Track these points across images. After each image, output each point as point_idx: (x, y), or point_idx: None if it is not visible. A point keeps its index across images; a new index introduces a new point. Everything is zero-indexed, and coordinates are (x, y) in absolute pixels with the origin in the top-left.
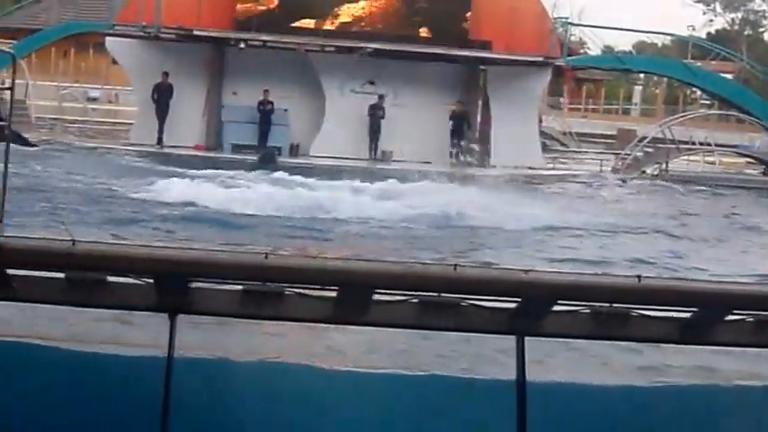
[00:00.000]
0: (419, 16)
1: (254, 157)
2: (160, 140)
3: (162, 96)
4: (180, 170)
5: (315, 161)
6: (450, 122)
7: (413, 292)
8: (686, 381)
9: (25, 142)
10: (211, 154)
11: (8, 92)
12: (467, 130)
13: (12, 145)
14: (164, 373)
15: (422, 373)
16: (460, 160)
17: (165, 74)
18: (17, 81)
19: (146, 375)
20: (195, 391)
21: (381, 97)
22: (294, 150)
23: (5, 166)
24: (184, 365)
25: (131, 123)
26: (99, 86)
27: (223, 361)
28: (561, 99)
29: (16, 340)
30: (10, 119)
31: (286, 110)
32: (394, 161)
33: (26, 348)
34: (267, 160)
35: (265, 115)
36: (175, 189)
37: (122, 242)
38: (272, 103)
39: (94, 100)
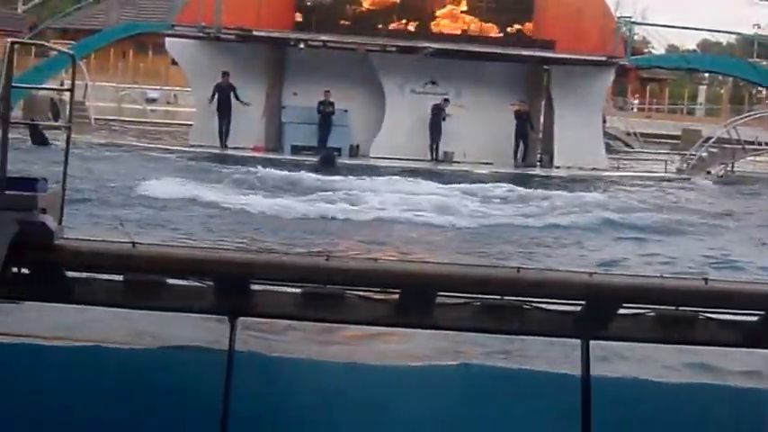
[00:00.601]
0: (482, 15)
1: (314, 159)
2: (222, 141)
3: (223, 96)
4: (242, 169)
5: (375, 162)
6: (515, 122)
7: (475, 295)
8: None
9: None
10: (271, 155)
11: (68, 93)
12: (530, 131)
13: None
14: (224, 376)
15: (486, 367)
16: (524, 161)
17: (226, 73)
18: (76, 82)
19: (206, 378)
20: (256, 394)
21: (447, 100)
22: (354, 151)
23: (65, 168)
24: (245, 368)
25: (190, 124)
26: (158, 87)
27: (283, 361)
28: (628, 100)
29: (78, 344)
30: (70, 120)
31: (346, 110)
32: (455, 162)
33: (87, 351)
34: (327, 162)
35: (326, 116)
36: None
37: (183, 244)
38: (332, 104)
39: (153, 101)
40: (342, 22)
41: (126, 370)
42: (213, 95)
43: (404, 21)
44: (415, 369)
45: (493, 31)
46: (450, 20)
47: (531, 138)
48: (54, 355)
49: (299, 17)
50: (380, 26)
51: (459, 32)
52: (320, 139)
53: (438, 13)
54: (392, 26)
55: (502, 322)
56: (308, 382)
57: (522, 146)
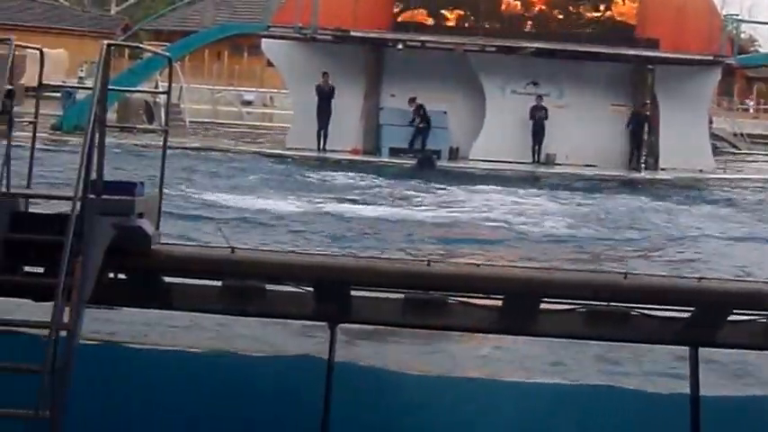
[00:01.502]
0: (584, 14)
1: (413, 162)
2: (320, 144)
3: (323, 98)
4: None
5: (475, 164)
6: (630, 125)
7: (581, 301)
8: None
9: None
10: (368, 158)
11: (162, 95)
12: (644, 133)
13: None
14: (324, 385)
15: (594, 384)
16: (632, 164)
17: (326, 74)
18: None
19: (306, 386)
20: (356, 404)
21: (540, 97)
22: (454, 154)
23: (162, 172)
24: (345, 377)
25: (287, 127)
26: (253, 89)
27: (384, 372)
28: (742, 100)
29: (176, 349)
30: (167, 123)
31: (445, 112)
32: (557, 164)
33: (186, 357)
34: (425, 164)
35: (422, 119)
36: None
37: (282, 249)
38: (422, 106)
39: (249, 103)
40: (440, 21)
41: (224, 377)
42: (316, 97)
43: (503, 20)
44: (522, 385)
45: (596, 29)
46: (552, 18)
47: (644, 141)
48: (150, 361)
49: (396, 17)
50: (480, 26)
51: (560, 31)
52: (419, 141)
53: (539, 11)
54: (491, 25)
55: (608, 329)
56: (409, 394)
57: (635, 149)
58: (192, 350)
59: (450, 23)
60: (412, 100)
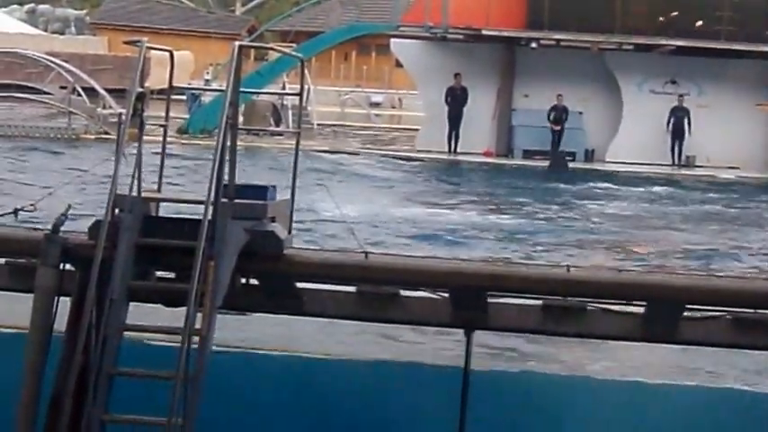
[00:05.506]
0: (725, 9)
1: (545, 164)
2: (451, 146)
3: (455, 100)
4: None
5: (611, 167)
6: None
7: (727, 309)
8: None
9: None
10: (501, 160)
11: (290, 98)
12: None
13: None
14: (459, 393)
15: (746, 392)
16: None
17: (458, 75)
18: (296, 85)
19: (441, 395)
20: (493, 414)
21: (681, 97)
22: (589, 156)
23: (294, 175)
24: (482, 385)
25: (417, 129)
26: (382, 91)
27: (522, 378)
28: None
29: (304, 355)
30: (299, 125)
31: (581, 113)
32: (697, 167)
33: (316, 364)
34: (558, 167)
35: (557, 120)
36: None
37: (416, 254)
38: (566, 108)
39: (377, 105)
40: (575, 19)
41: (356, 385)
42: (446, 98)
43: (641, 17)
44: (660, 387)
45: (737, 26)
46: (693, 15)
47: None
48: (279, 367)
49: (530, 15)
50: (616, 23)
51: (701, 28)
52: (553, 142)
53: (679, 7)
54: (629, 23)
55: (755, 337)
56: (549, 398)
57: None
58: (322, 357)
59: (586, 20)
60: (560, 96)
